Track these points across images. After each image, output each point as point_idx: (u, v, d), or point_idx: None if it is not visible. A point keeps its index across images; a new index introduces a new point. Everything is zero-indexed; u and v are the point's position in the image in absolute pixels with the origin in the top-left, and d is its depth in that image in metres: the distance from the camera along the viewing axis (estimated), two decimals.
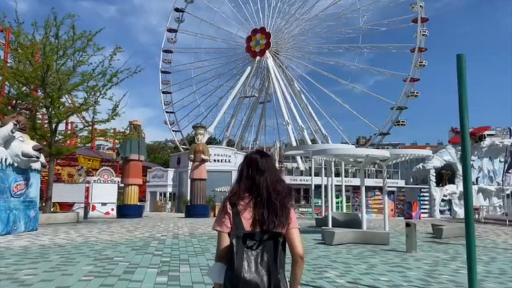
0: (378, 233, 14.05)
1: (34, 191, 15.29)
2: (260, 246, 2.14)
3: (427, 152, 18.53)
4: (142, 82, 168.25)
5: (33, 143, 14.69)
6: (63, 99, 24.25)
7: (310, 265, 8.79)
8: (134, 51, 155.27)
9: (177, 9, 58.62)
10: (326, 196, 27.33)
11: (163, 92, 59.26)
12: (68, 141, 28.26)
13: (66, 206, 32.50)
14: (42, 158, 15.52)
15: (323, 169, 27.80)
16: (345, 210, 26.77)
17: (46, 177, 21.50)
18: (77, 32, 20.18)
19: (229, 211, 2.26)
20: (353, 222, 20.02)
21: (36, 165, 15.07)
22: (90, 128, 22.54)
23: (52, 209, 32.90)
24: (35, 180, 15.32)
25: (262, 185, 2.29)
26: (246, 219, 2.23)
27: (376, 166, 41.26)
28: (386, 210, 18.30)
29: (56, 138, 21.01)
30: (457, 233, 16.84)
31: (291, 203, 2.36)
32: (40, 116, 24.21)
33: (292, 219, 2.28)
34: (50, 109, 20.16)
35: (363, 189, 16.19)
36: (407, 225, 11.76)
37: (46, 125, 21.37)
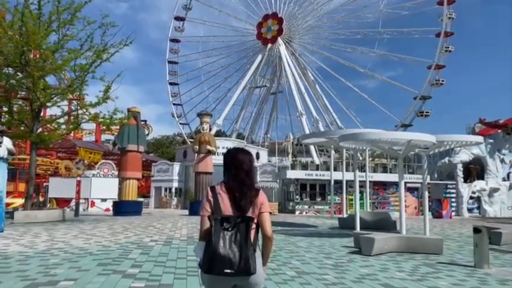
0: (428, 240, 10.97)
1: None
2: (235, 228, 2.50)
3: (477, 138, 15.30)
4: (153, 79, 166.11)
5: None
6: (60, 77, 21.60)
7: None
8: (146, 46, 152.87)
9: None
10: (348, 193, 24.27)
11: (170, 84, 56.66)
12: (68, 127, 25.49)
13: (63, 202, 30.01)
14: (8, 143, 12.74)
15: (344, 162, 24.74)
16: (368, 209, 23.73)
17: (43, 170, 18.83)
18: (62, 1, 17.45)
19: (210, 198, 2.66)
20: (384, 223, 16.96)
21: (1, 152, 12.28)
22: (76, 113, 19.80)
23: (48, 206, 30.57)
24: (0, 170, 12.52)
25: (240, 177, 2.68)
26: (225, 204, 2.63)
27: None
28: (427, 210, 15.22)
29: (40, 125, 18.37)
30: None
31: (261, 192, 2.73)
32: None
33: (264, 205, 2.68)
34: (32, 90, 17.49)
35: (402, 184, 13.08)
36: (477, 230, 8.66)
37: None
